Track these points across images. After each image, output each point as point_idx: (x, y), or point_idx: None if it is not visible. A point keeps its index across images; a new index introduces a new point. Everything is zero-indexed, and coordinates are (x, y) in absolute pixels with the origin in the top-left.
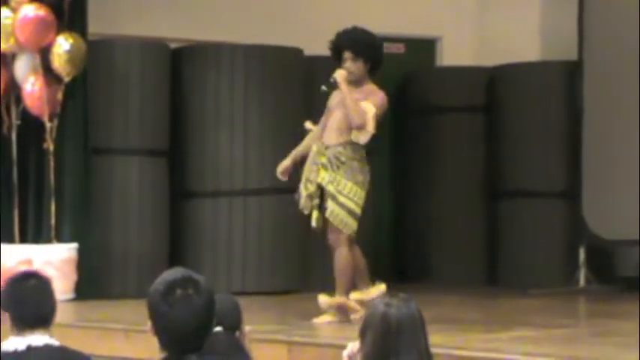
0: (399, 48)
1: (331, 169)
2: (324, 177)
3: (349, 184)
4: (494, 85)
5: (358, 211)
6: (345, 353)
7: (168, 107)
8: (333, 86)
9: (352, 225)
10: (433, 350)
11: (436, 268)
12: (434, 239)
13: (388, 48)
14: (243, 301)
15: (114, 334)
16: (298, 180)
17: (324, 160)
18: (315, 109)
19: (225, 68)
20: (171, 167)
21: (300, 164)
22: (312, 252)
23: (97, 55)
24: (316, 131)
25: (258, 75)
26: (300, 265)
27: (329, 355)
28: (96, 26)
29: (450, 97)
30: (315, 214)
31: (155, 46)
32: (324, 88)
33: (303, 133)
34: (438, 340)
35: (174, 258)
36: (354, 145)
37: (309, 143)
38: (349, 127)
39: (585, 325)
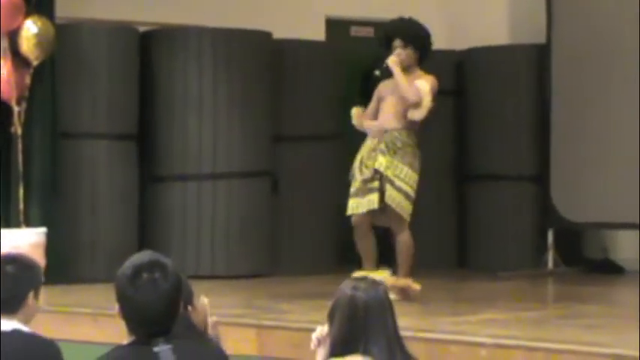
0: (368, 31)
1: (389, 154)
2: (382, 162)
3: (405, 169)
4: (463, 69)
5: (413, 194)
6: (314, 335)
7: (136, 91)
8: (386, 72)
9: (408, 208)
10: (402, 333)
11: None
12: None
13: (357, 31)
14: (212, 285)
15: (82, 318)
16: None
17: (382, 146)
18: (284, 92)
19: (193, 52)
20: (139, 151)
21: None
22: (280, 236)
23: (65, 39)
24: (362, 113)
25: (227, 58)
26: (269, 248)
27: (298, 338)
28: (64, 10)
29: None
30: (374, 197)
31: (123, 30)
32: (377, 72)
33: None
34: (406, 323)
35: (144, 242)
36: (409, 130)
37: (361, 121)
38: (404, 112)
39: (553, 307)
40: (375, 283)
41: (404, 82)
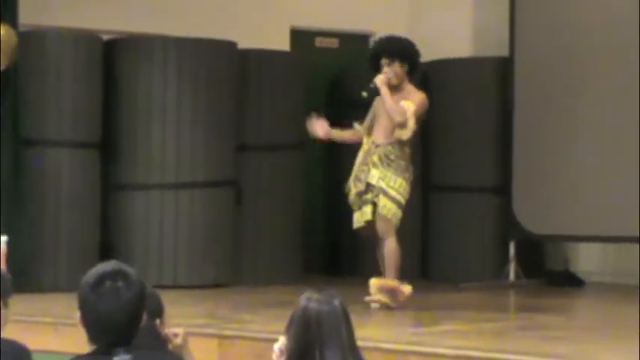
0: (333, 42)
1: (382, 167)
2: (374, 175)
3: (399, 180)
4: (426, 81)
5: (404, 203)
6: (276, 346)
7: (100, 99)
8: (374, 91)
9: (398, 215)
10: (362, 344)
11: (369, 262)
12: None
13: (322, 42)
14: (174, 295)
15: (43, 327)
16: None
17: (375, 158)
18: (248, 102)
19: (158, 61)
20: (103, 159)
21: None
22: (243, 245)
23: (28, 46)
24: (360, 129)
25: (191, 68)
26: (231, 258)
27: (259, 348)
28: (27, 17)
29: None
30: (368, 209)
31: (87, 38)
32: (364, 94)
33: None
34: (367, 333)
35: (106, 251)
36: (401, 144)
37: (352, 134)
38: (393, 129)
39: (514, 318)
40: (330, 295)
41: (390, 101)
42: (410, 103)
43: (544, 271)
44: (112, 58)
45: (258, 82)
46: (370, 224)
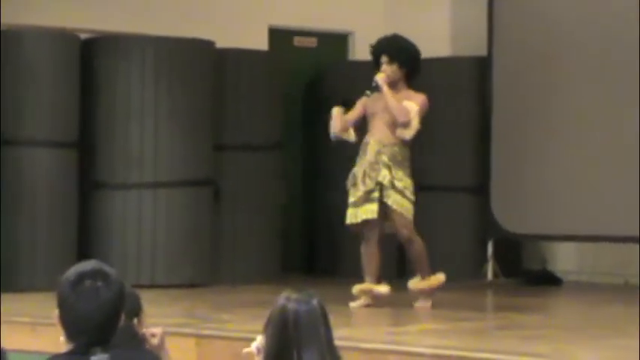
0: (311, 42)
1: (394, 167)
2: (386, 174)
3: (409, 180)
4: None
5: (414, 199)
6: (254, 345)
7: (78, 98)
8: (375, 91)
9: (412, 213)
10: (341, 343)
11: (346, 261)
12: (344, 232)
13: (300, 42)
14: (152, 294)
15: (21, 327)
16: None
17: (385, 158)
18: (226, 102)
19: (135, 60)
20: (80, 159)
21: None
22: (222, 245)
23: (6, 45)
24: (345, 114)
25: (169, 67)
26: (210, 258)
27: (238, 348)
28: (5, 16)
29: (360, 91)
30: (374, 207)
31: (65, 37)
32: (368, 92)
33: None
34: (345, 333)
35: (84, 250)
36: (404, 145)
37: (342, 120)
38: (395, 129)
39: (492, 318)
40: (308, 295)
41: (393, 101)
42: (413, 103)
43: (522, 271)
44: (90, 57)
45: (236, 82)
46: (370, 222)
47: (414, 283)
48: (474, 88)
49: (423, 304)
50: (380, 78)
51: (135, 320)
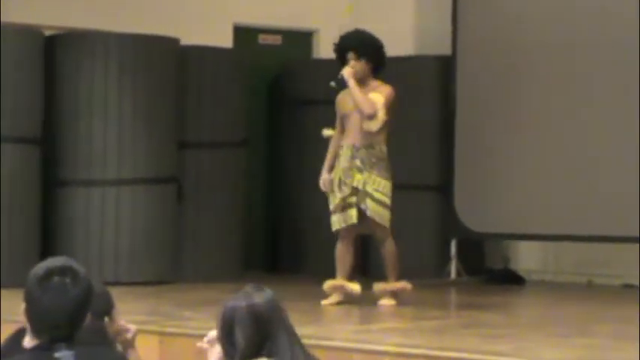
0: (276, 39)
1: (366, 171)
2: (359, 179)
3: (383, 181)
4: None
5: (390, 203)
6: (206, 339)
7: (41, 94)
8: (341, 84)
9: (388, 217)
10: (305, 342)
11: (309, 260)
12: (307, 230)
13: (265, 39)
14: (116, 292)
15: None
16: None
17: (358, 162)
18: (190, 99)
19: (99, 56)
20: (43, 155)
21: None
22: (185, 242)
23: None
24: (336, 136)
25: (133, 64)
26: (172, 255)
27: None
28: None
29: (325, 89)
30: (353, 212)
31: (29, 33)
32: (332, 84)
33: (326, 141)
34: (308, 331)
35: (47, 248)
36: (380, 144)
37: (335, 149)
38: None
39: (455, 316)
40: (261, 288)
41: (358, 94)
42: (378, 94)
43: (485, 269)
44: (54, 54)
45: (200, 79)
46: (352, 227)
47: (379, 286)
48: (438, 87)
49: (386, 303)
50: (346, 72)
51: (106, 318)
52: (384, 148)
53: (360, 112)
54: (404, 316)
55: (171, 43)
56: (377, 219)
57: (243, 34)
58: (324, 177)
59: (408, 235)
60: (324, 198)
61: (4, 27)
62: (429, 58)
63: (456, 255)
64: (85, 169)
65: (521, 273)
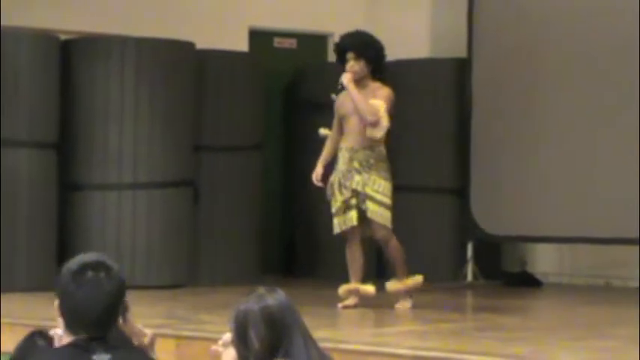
0: (291, 43)
1: (364, 172)
2: (359, 181)
3: (383, 183)
4: (384, 81)
5: (390, 203)
6: (220, 342)
7: (57, 99)
8: (342, 90)
9: (389, 217)
10: (321, 345)
11: (325, 262)
12: (324, 234)
13: (280, 43)
14: (132, 295)
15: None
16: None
17: (356, 164)
18: (206, 103)
19: (115, 61)
20: (60, 160)
21: (330, 164)
22: (201, 246)
23: None
24: (333, 135)
25: (149, 68)
26: (189, 259)
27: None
28: None
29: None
30: (354, 214)
31: (45, 38)
32: (334, 96)
33: (322, 140)
34: (325, 334)
35: (63, 251)
36: (377, 145)
37: (332, 146)
38: (366, 127)
39: (472, 319)
40: (273, 289)
41: (360, 101)
42: (380, 101)
43: (502, 272)
44: (70, 58)
45: (216, 83)
46: (354, 229)
47: (392, 285)
48: (454, 89)
49: (402, 305)
50: (345, 78)
51: (120, 319)
52: (383, 149)
53: (362, 117)
54: (420, 319)
55: (186, 47)
56: (378, 220)
57: (259, 37)
58: (318, 171)
59: (424, 238)
60: None
61: (21, 32)
62: (445, 61)
63: (472, 258)
64: (102, 173)
65: (538, 275)
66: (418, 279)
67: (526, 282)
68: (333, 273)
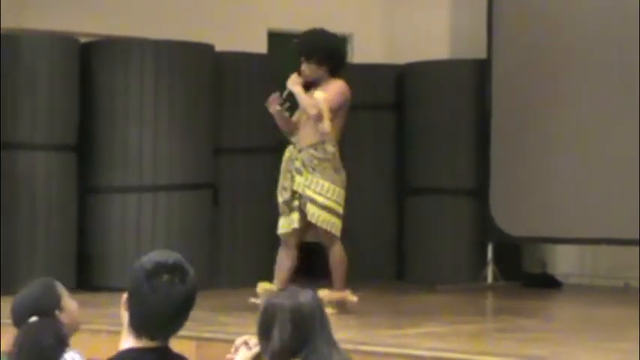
0: None
1: (306, 173)
2: (299, 182)
3: (326, 184)
4: (403, 83)
5: (339, 209)
6: (233, 349)
7: (77, 102)
8: (289, 96)
9: (336, 223)
10: (342, 346)
11: None
12: (343, 235)
13: None
14: None
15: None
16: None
17: (298, 164)
18: (225, 105)
19: (134, 63)
20: (79, 162)
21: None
22: (221, 248)
23: (6, 49)
24: (304, 120)
25: (168, 70)
26: (209, 260)
27: None
28: (4, 20)
29: (359, 93)
30: (295, 216)
31: (64, 41)
32: (278, 107)
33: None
34: (345, 335)
35: (83, 254)
36: (325, 145)
37: (295, 122)
38: (316, 129)
39: (492, 321)
40: (302, 289)
41: (303, 97)
42: (320, 92)
43: (522, 274)
44: (89, 61)
45: (235, 85)
46: (296, 231)
47: (322, 292)
48: (474, 90)
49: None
50: (290, 80)
51: (56, 312)
52: (331, 148)
53: (307, 112)
54: (440, 321)
55: (206, 49)
56: (320, 224)
57: (278, 39)
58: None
59: (444, 240)
60: (359, 204)
61: (40, 35)
62: (465, 62)
63: (492, 259)
64: (121, 176)
65: (558, 277)
66: (350, 296)
67: (546, 283)
68: (351, 273)
